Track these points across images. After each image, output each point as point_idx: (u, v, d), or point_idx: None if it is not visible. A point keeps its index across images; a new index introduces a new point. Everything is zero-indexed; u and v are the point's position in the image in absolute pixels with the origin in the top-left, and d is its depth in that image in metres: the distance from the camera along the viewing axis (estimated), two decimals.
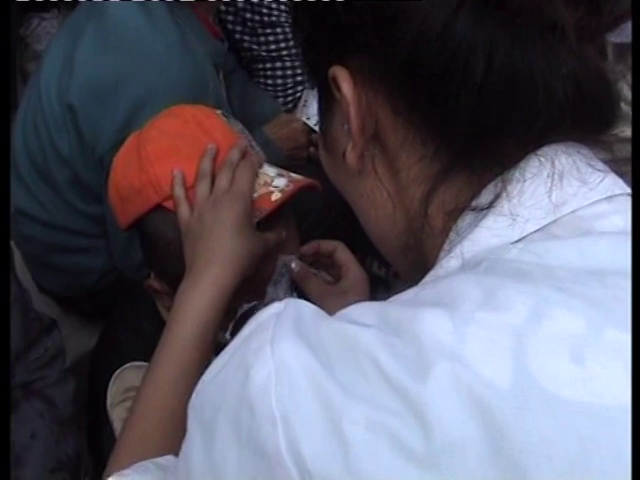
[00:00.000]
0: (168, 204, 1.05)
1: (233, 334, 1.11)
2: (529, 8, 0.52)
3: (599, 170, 0.57)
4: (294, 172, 1.13)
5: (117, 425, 1.20)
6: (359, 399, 0.46)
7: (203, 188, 1.02)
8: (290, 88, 2.12)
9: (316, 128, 1.91)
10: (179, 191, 1.03)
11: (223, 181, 1.02)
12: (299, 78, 2.11)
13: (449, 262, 0.57)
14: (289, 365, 0.49)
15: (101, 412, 1.21)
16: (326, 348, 0.49)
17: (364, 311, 0.53)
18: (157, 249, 1.09)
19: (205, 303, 0.95)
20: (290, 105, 2.12)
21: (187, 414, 0.56)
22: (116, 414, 1.20)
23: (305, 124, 1.96)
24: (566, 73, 0.54)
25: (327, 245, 1.16)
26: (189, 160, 1.06)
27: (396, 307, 0.52)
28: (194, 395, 0.56)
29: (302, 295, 1.20)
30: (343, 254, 1.15)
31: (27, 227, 1.76)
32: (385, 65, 0.58)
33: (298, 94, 2.12)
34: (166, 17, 1.55)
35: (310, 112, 1.97)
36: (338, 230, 1.94)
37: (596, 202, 0.55)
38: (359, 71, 0.60)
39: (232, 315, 1.08)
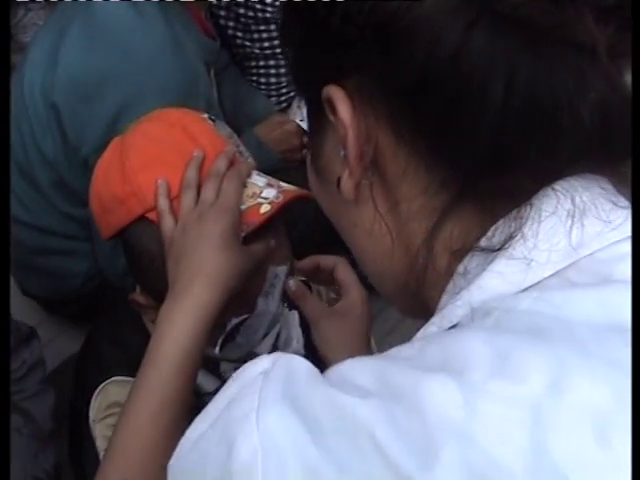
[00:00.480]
0: (152, 215, 1.00)
1: (222, 348, 1.06)
2: (555, 26, 0.46)
3: (622, 207, 0.51)
4: (287, 175, 1.08)
5: (99, 443, 1.17)
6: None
7: (188, 199, 0.97)
8: (284, 87, 2.07)
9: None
10: (163, 203, 0.98)
11: (209, 192, 0.97)
12: None
13: (455, 310, 0.52)
14: (277, 440, 0.44)
15: (83, 427, 1.18)
16: (319, 420, 0.44)
17: (361, 371, 0.47)
18: (141, 263, 1.04)
19: (188, 326, 0.89)
20: (284, 105, 2.07)
21: (166, 473, 0.52)
22: (99, 431, 1.17)
23: (298, 125, 1.90)
24: (594, 97, 0.47)
25: (327, 261, 1.11)
26: (174, 168, 1.00)
27: (398, 368, 0.46)
28: (174, 457, 0.52)
29: (293, 307, 1.16)
30: (343, 272, 1.09)
31: None
32: (389, 86, 0.51)
33: (292, 93, 2.07)
34: (156, 13, 1.49)
35: (304, 114, 1.91)
36: (332, 236, 1.90)
37: (616, 242, 0.49)
38: (357, 91, 0.53)
39: (221, 329, 1.04)
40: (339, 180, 0.57)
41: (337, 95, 0.54)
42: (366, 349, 1.03)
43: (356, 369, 0.48)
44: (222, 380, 1.17)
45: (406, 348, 0.49)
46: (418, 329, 0.56)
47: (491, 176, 0.51)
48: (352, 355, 0.50)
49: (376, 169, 0.55)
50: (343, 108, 0.53)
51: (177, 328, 0.89)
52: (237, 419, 0.46)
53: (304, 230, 1.70)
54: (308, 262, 1.09)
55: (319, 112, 0.57)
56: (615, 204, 0.51)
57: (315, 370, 0.49)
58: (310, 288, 1.31)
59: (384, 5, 0.49)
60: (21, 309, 1.82)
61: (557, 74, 0.47)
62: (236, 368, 1.13)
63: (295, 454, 0.43)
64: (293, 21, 0.57)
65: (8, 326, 1.07)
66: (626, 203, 0.51)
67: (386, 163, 0.55)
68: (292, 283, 1.05)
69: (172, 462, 0.52)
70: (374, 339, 1.45)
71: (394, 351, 0.50)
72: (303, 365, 0.50)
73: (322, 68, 0.55)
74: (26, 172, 1.63)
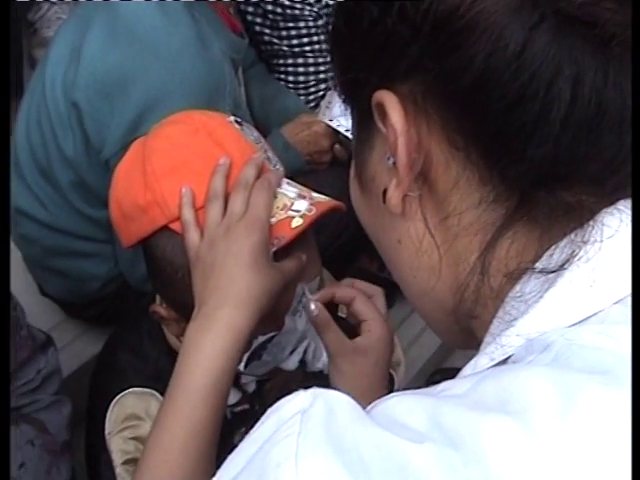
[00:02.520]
0: (175, 226, 0.95)
1: (247, 365, 1.01)
2: (626, 30, 0.44)
3: None
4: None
5: (115, 456, 1.14)
6: None
7: (215, 211, 0.92)
8: (312, 86, 2.01)
9: (340, 129, 1.79)
10: (188, 213, 0.93)
11: (237, 205, 0.91)
12: (322, 76, 2.00)
13: (510, 341, 0.48)
14: None
15: (99, 438, 1.15)
16: (366, 464, 0.39)
17: (411, 410, 0.43)
18: (164, 275, 0.99)
19: (218, 351, 0.85)
20: (312, 104, 2.01)
21: None
22: (115, 444, 1.15)
23: (328, 126, 1.84)
24: None
25: (343, 293, 0.99)
26: (199, 176, 0.95)
27: (451, 408, 0.42)
28: None
29: None
30: (363, 306, 0.97)
31: (27, 228, 1.67)
32: (444, 90, 0.49)
33: (321, 92, 2.01)
34: (182, 10, 1.44)
35: (334, 114, 1.85)
36: (357, 242, 1.86)
37: None
38: (410, 96, 0.51)
39: (247, 347, 0.98)
40: (385, 192, 0.54)
41: (389, 100, 0.51)
42: (383, 390, 0.96)
43: (404, 407, 0.44)
44: (243, 392, 1.14)
45: (457, 384, 0.46)
46: None
47: (551, 189, 0.48)
48: (366, 396, 0.47)
49: (425, 180, 0.53)
50: (395, 113, 0.51)
51: (207, 353, 0.85)
52: (275, 465, 0.42)
53: (329, 236, 1.65)
54: (321, 295, 0.99)
55: (367, 120, 0.55)
56: None
57: (358, 407, 0.45)
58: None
59: (444, 2, 0.47)
60: (39, 311, 1.79)
61: (626, 79, 0.45)
62: (257, 381, 1.10)
63: None
64: (344, 22, 0.54)
65: (8, 326, 1.01)
66: None
67: (437, 174, 0.52)
68: (314, 308, 0.95)
69: None
70: (400, 346, 1.41)
71: (442, 387, 0.47)
72: (345, 401, 0.45)
73: (373, 72, 0.52)
74: (46, 171, 1.59)
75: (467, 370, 0.50)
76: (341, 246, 1.74)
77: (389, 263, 0.61)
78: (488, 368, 0.48)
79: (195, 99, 1.34)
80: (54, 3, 2.31)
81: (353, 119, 0.59)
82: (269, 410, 0.48)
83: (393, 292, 2.18)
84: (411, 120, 0.51)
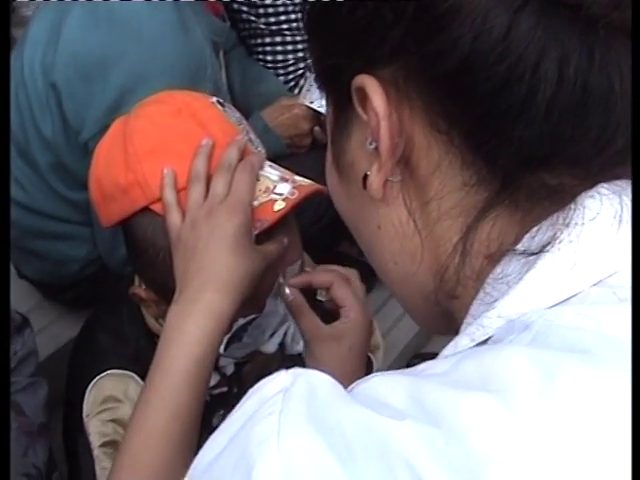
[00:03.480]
0: (157, 207, 0.94)
1: (227, 348, 1.01)
2: (613, 12, 0.44)
3: None
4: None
5: (93, 438, 1.13)
6: None
7: (196, 193, 0.91)
8: (291, 65, 2.02)
9: (321, 110, 1.79)
10: (169, 194, 0.92)
11: (219, 187, 0.91)
12: (300, 54, 2.01)
13: (490, 322, 0.48)
14: (300, 465, 0.39)
15: (77, 420, 1.14)
16: (348, 442, 0.40)
17: (392, 389, 0.43)
18: (145, 256, 0.99)
19: (200, 335, 0.85)
20: (292, 83, 2.02)
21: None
22: (93, 426, 1.14)
23: (308, 108, 1.84)
24: None
25: (321, 279, 1.00)
26: (181, 157, 0.95)
27: (433, 387, 0.42)
28: (187, 478, 0.48)
29: None
30: (341, 291, 0.97)
31: None
32: (428, 74, 0.48)
33: (300, 71, 2.02)
34: None
35: (315, 96, 1.84)
36: (338, 227, 1.85)
37: None
38: (392, 81, 0.50)
39: (227, 329, 0.98)
40: (365, 177, 0.54)
41: (370, 84, 0.51)
42: (359, 375, 0.97)
43: (385, 386, 0.44)
44: (221, 374, 1.14)
45: (438, 364, 0.46)
46: None
47: (534, 171, 0.48)
48: (342, 381, 0.46)
49: (407, 165, 0.53)
50: (377, 97, 0.50)
51: (189, 336, 0.85)
52: (256, 442, 0.42)
53: (309, 220, 1.65)
54: (297, 280, 1.00)
55: (345, 106, 0.54)
56: None
57: (339, 386, 0.45)
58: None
59: None
60: (16, 292, 1.77)
61: (611, 61, 0.45)
62: (236, 363, 1.10)
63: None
64: (321, 7, 0.53)
65: (8, 324, 1.01)
66: None
67: (418, 158, 0.52)
68: (289, 293, 0.96)
69: None
70: (379, 330, 1.41)
71: (423, 367, 0.47)
72: (326, 380, 0.45)
73: (353, 57, 0.52)
74: (24, 152, 1.59)
75: (448, 350, 0.50)
76: (321, 230, 1.74)
77: (368, 250, 0.61)
78: (469, 348, 0.48)
79: (176, 82, 1.33)
80: None
81: (329, 106, 0.58)
82: (250, 390, 0.48)
83: (372, 276, 2.19)
84: (393, 104, 0.51)
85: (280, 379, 0.46)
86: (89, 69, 1.40)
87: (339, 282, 0.98)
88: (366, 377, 0.46)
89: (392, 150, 0.51)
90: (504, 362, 0.42)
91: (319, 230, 1.73)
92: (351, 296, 0.98)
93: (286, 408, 0.43)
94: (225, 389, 1.15)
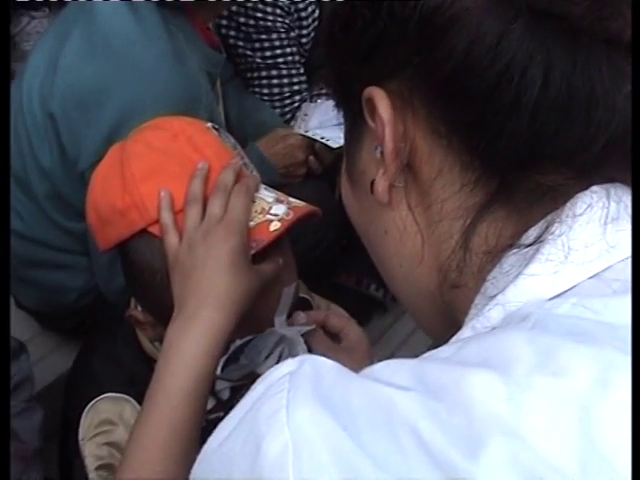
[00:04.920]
0: (154, 229, 0.96)
1: (223, 369, 1.02)
2: (595, 22, 0.48)
3: None
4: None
5: (89, 462, 1.14)
6: (393, 474, 0.39)
7: (193, 214, 0.93)
8: (287, 98, 2.03)
9: (316, 137, 1.81)
10: (166, 216, 0.94)
11: (216, 208, 0.92)
12: (296, 87, 2.02)
13: (489, 313, 0.51)
14: (308, 434, 0.41)
15: (73, 444, 1.15)
16: (353, 412, 0.42)
17: (396, 370, 0.45)
18: (142, 279, 1.00)
19: (199, 352, 0.87)
20: (288, 116, 2.03)
21: None
22: (88, 449, 1.14)
23: (303, 138, 1.85)
24: (627, 93, 0.49)
25: (317, 317, 1.09)
26: (178, 180, 0.96)
27: (435, 366, 0.45)
28: (195, 466, 0.49)
29: None
30: (335, 321, 1.09)
31: None
32: (428, 82, 0.53)
33: (296, 104, 2.03)
34: (158, 23, 1.45)
35: (310, 126, 1.87)
36: (335, 251, 1.87)
37: None
38: (398, 94, 0.55)
39: (224, 350, 0.99)
40: (373, 182, 0.57)
41: (377, 94, 0.55)
42: None
43: (390, 369, 0.46)
44: (217, 399, 1.13)
45: (440, 351, 0.49)
46: (428, 345, 0.56)
47: (526, 170, 0.52)
48: None
49: (410, 170, 0.56)
50: (382, 104, 0.55)
51: (188, 353, 0.86)
52: (265, 417, 0.44)
53: (308, 245, 1.66)
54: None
55: (358, 119, 0.59)
56: None
57: (344, 369, 0.47)
58: (311, 306, 1.28)
59: (428, 1, 0.51)
60: (15, 322, 1.77)
61: (594, 66, 0.49)
62: (232, 387, 1.11)
63: (328, 448, 0.40)
64: (339, 27, 0.58)
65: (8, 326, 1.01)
66: None
67: (421, 164, 0.56)
68: (302, 316, 1.04)
69: (194, 469, 0.49)
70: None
71: (428, 354, 0.49)
72: (331, 365, 0.48)
73: (365, 71, 0.56)
74: (22, 181, 1.59)
75: (451, 341, 0.52)
76: (317, 259, 1.75)
77: (377, 258, 0.64)
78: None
79: (170, 111, 1.32)
80: (34, 17, 2.31)
81: (345, 121, 0.63)
82: (258, 380, 0.49)
83: (370, 307, 2.19)
84: (398, 112, 0.55)
85: (286, 364, 0.48)
86: (85, 100, 1.41)
87: (332, 314, 1.10)
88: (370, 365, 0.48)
89: (395, 153, 0.55)
90: (504, 343, 0.44)
91: (315, 259, 1.74)
92: (347, 320, 1.08)
93: (294, 387, 0.45)
94: (221, 414, 1.15)
